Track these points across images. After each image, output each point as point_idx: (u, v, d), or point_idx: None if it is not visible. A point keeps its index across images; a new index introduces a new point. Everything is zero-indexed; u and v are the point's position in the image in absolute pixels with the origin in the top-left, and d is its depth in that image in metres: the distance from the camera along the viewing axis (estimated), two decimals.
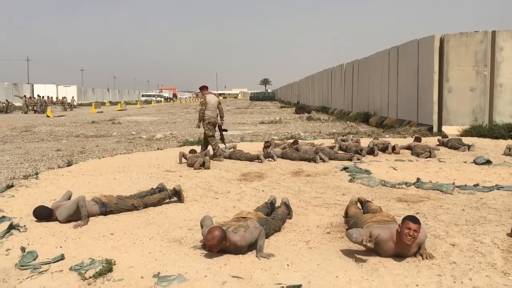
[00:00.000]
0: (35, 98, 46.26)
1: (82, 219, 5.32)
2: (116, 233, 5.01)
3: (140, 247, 4.53)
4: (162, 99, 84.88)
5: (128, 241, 4.73)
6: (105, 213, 5.68)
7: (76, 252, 4.38)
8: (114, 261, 4.05)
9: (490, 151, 11.17)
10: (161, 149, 12.69)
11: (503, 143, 12.16)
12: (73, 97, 54.23)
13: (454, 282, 3.62)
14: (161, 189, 6.41)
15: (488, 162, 9.34)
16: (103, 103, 59.08)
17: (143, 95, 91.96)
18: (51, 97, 48.05)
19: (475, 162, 9.48)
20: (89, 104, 54.08)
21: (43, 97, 45.31)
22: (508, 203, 6.20)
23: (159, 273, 3.81)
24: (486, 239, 4.67)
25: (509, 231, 4.86)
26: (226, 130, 11.55)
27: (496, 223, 5.22)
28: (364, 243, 3.98)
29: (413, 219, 4.11)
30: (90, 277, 3.78)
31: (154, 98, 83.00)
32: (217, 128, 10.91)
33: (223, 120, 11.10)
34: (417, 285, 3.55)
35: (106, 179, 8.17)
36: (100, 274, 3.82)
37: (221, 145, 11.22)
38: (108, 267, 3.90)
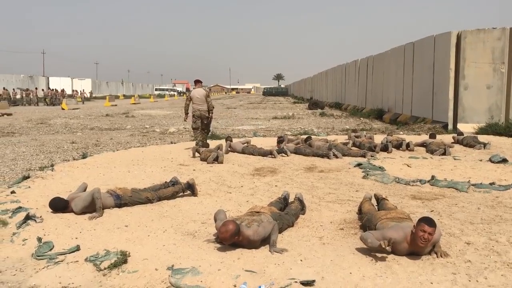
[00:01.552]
0: (50, 90, 46.74)
1: (97, 211, 5.37)
2: (131, 226, 5.05)
3: (154, 240, 4.57)
4: (175, 93, 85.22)
5: (142, 234, 4.77)
6: (119, 205, 5.73)
7: (91, 244, 4.42)
8: (129, 253, 4.09)
9: (506, 150, 11.02)
10: (175, 143, 12.75)
11: None
12: (83, 90, 54.62)
13: (469, 281, 3.59)
14: (174, 182, 6.45)
15: (504, 160, 9.22)
16: (117, 97, 59.55)
17: (156, 89, 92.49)
18: (63, 90, 48.45)
19: (490, 160, 9.36)
20: (103, 97, 54.50)
21: (53, 90, 45.74)
22: None
23: (173, 265, 3.84)
24: (502, 238, 4.61)
25: None
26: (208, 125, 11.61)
27: None
28: (383, 246, 3.93)
29: (429, 221, 4.03)
30: (105, 268, 3.83)
31: (167, 92, 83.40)
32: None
33: (211, 114, 11.29)
34: (431, 283, 3.53)
35: (120, 171, 8.24)
36: (115, 265, 3.86)
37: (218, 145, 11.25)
38: (123, 259, 3.94)
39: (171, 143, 12.84)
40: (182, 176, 7.43)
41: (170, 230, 4.91)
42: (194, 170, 8.45)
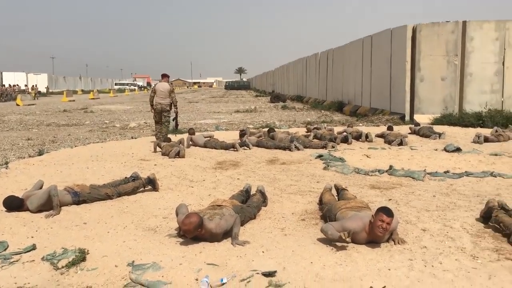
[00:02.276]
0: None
1: (54, 209, 5.22)
2: (89, 223, 4.95)
3: (114, 236, 4.49)
4: (136, 87, 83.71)
5: (101, 230, 4.68)
6: (77, 202, 5.59)
7: (48, 242, 4.30)
8: (88, 251, 4.01)
9: (460, 139, 11.43)
10: (135, 138, 12.55)
11: (472, 131, 12.46)
12: (35, 85, 52.44)
13: (425, 266, 3.71)
14: (135, 177, 6.35)
15: (458, 149, 9.56)
16: (75, 92, 57.98)
17: (116, 84, 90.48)
18: (16, 85, 46.65)
19: (445, 149, 9.69)
20: (61, 93, 52.91)
21: (3, 85, 44.08)
22: (477, 189, 6.37)
23: (133, 261, 3.79)
24: (456, 224, 4.79)
25: (477, 216, 5.00)
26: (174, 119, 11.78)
27: (465, 209, 5.36)
28: (343, 238, 4.00)
29: (386, 211, 4.12)
30: (62, 267, 3.73)
31: (127, 86, 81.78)
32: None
33: (176, 108, 11.46)
34: (389, 269, 3.63)
35: (78, 168, 8.04)
36: (73, 263, 3.77)
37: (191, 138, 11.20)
38: (81, 257, 3.86)
39: (132, 138, 12.63)
40: (143, 171, 7.32)
41: (131, 226, 4.84)
42: (155, 165, 8.35)
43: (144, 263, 3.74)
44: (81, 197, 5.63)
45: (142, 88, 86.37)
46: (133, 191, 6.16)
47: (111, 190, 5.91)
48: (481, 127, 13.71)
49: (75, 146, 11.01)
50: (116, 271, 3.66)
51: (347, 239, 3.99)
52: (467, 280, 3.42)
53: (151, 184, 6.35)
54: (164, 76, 11.50)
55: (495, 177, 7.07)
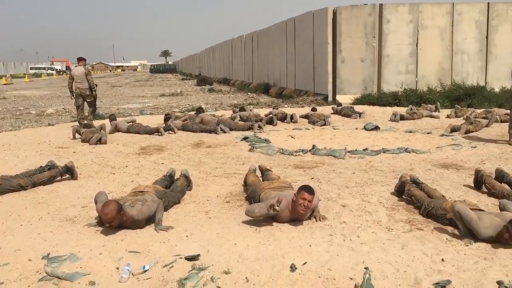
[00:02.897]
0: None
1: None
2: (0, 215, 4.63)
3: (28, 229, 4.24)
4: (54, 72, 79.22)
5: (14, 223, 4.40)
6: None
7: None
8: None
9: (379, 118, 11.97)
10: (53, 125, 11.90)
11: (390, 110, 13.08)
12: None
13: (344, 240, 3.86)
14: (51, 166, 6.02)
15: (376, 128, 10.02)
16: None
17: (31, 68, 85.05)
18: None
19: (365, 128, 10.11)
20: None
21: None
22: (393, 164, 6.72)
23: (48, 254, 3.60)
24: (373, 199, 5.02)
25: (392, 191, 5.27)
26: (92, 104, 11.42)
27: (382, 184, 5.63)
28: (274, 206, 4.05)
29: (308, 189, 4.21)
30: None
31: (44, 71, 77.17)
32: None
33: (94, 92, 11.13)
34: (310, 246, 3.73)
35: None
36: None
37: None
38: None
39: (49, 125, 11.96)
40: (60, 160, 6.98)
41: (47, 217, 4.59)
42: (74, 152, 7.98)
43: (61, 255, 3.57)
44: None
45: (61, 73, 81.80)
46: (49, 181, 5.84)
47: (24, 181, 5.56)
48: (397, 106, 14.45)
49: None
50: (30, 265, 3.46)
51: (277, 207, 4.04)
52: (382, 251, 3.60)
53: (69, 172, 6.06)
54: (80, 60, 11.22)
55: (409, 153, 7.49)
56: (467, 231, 3.81)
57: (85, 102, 11.18)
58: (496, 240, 3.66)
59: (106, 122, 10.80)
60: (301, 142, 8.75)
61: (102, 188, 5.38)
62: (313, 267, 3.31)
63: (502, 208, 4.12)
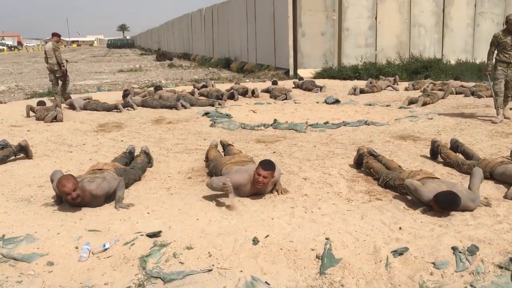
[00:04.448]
0: None
1: None
2: None
3: None
4: (5, 47, 75.63)
5: None
6: None
7: None
8: None
9: (339, 91, 12.09)
10: (5, 103, 11.41)
11: (350, 84, 13.24)
12: None
13: (305, 212, 3.91)
14: (3, 145, 5.78)
15: (337, 101, 10.12)
16: None
17: None
18: None
19: (326, 102, 10.20)
20: None
21: None
22: (353, 137, 6.82)
23: (3, 235, 3.48)
24: (333, 171, 5.09)
25: (352, 163, 5.35)
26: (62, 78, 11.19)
27: (342, 156, 5.71)
28: (226, 184, 4.03)
29: (264, 164, 4.20)
30: None
31: None
32: None
33: (63, 66, 10.90)
34: (272, 218, 3.76)
35: None
36: None
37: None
38: None
39: (1, 103, 11.46)
40: (14, 138, 6.72)
41: (1, 198, 4.43)
42: (28, 130, 7.70)
43: (16, 236, 3.45)
44: None
45: (12, 48, 78.27)
46: (2, 160, 5.61)
47: None
48: (357, 79, 14.62)
49: None
50: None
51: (228, 183, 4.03)
52: (342, 221, 3.67)
53: (23, 151, 5.84)
54: (53, 35, 11.07)
55: (369, 125, 7.62)
56: (417, 201, 3.95)
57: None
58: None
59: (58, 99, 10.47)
60: (263, 117, 8.74)
61: (59, 167, 5.20)
62: (275, 240, 3.34)
63: (470, 175, 4.23)
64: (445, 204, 3.68)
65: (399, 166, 4.81)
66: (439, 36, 17.43)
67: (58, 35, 11.09)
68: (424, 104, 9.57)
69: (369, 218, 3.73)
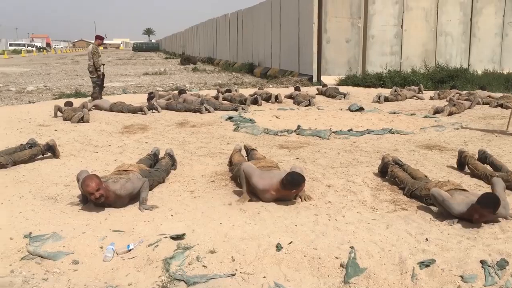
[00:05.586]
0: None
1: None
2: None
3: (9, 207, 4.16)
4: (34, 48, 77.39)
5: None
6: None
7: None
8: None
9: (363, 99, 11.99)
10: (33, 103, 11.66)
11: (374, 91, 13.12)
12: None
13: (329, 220, 3.87)
14: (32, 144, 5.89)
15: (361, 109, 10.04)
16: None
17: (11, 44, 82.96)
18: None
19: (349, 109, 10.12)
20: None
21: None
22: (377, 145, 6.74)
23: (30, 233, 3.54)
24: (357, 179, 5.04)
25: (376, 171, 5.29)
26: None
27: (366, 164, 5.65)
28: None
29: (298, 181, 4.16)
30: None
31: (24, 47, 75.34)
32: None
33: (98, 71, 11.04)
34: (295, 225, 3.73)
35: None
36: None
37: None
38: None
39: (30, 102, 11.72)
40: (42, 138, 6.85)
41: (28, 196, 4.51)
42: (56, 130, 7.83)
43: (43, 234, 3.51)
44: None
45: (41, 49, 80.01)
46: (31, 159, 5.72)
47: (4, 159, 5.43)
48: (382, 87, 14.49)
49: None
50: (11, 244, 3.40)
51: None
52: (367, 230, 3.62)
53: (51, 150, 5.94)
54: (96, 38, 11.24)
55: (393, 134, 7.53)
56: (444, 212, 3.87)
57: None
58: (468, 218, 3.71)
59: (87, 100, 10.66)
60: (286, 122, 8.72)
61: (85, 167, 5.27)
62: (299, 247, 3.31)
63: (492, 185, 4.18)
64: (489, 203, 3.59)
65: (425, 176, 4.73)
66: (466, 45, 17.17)
67: (101, 38, 11.33)
68: (450, 113, 9.41)
69: (395, 228, 3.67)
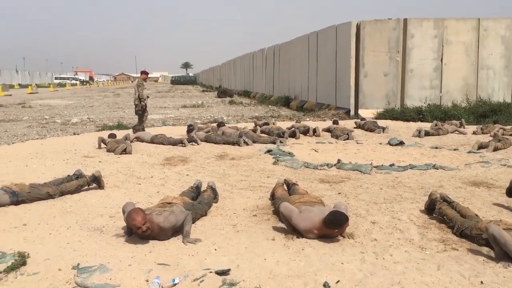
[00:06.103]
0: None
1: None
2: (30, 224, 4.66)
3: (57, 238, 4.25)
4: (78, 82, 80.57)
5: (43, 232, 4.41)
6: (16, 203, 5.25)
7: None
8: (28, 254, 3.76)
9: (402, 133, 11.81)
10: (78, 134, 12.06)
11: (414, 125, 12.92)
12: None
13: (376, 259, 3.76)
14: (78, 175, 6.05)
15: (401, 143, 9.87)
16: (11, 86, 54.89)
17: (56, 78, 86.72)
18: None
19: (389, 143, 9.97)
20: None
21: None
22: (421, 181, 6.58)
23: (78, 264, 3.59)
24: (403, 216, 4.91)
25: (422, 208, 5.14)
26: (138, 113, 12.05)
27: (411, 201, 5.51)
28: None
29: (341, 220, 4.09)
30: (1, 272, 3.47)
31: (68, 81, 78.53)
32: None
33: (140, 103, 11.77)
34: (342, 263, 3.64)
35: (16, 166, 7.59)
36: (12, 268, 3.52)
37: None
38: (21, 261, 3.61)
39: (74, 134, 12.12)
40: (87, 169, 7.02)
41: (75, 226, 4.60)
42: (100, 161, 8.03)
43: (90, 266, 3.55)
44: (20, 197, 5.29)
45: (84, 83, 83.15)
46: (77, 190, 5.87)
47: (52, 189, 5.60)
48: (421, 121, 14.26)
49: (13, 143, 10.41)
50: (60, 275, 3.45)
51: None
52: (417, 271, 3.49)
53: (96, 182, 6.08)
54: (141, 73, 12.10)
55: (437, 169, 7.34)
56: (503, 254, 3.68)
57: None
58: None
59: (130, 132, 10.93)
60: (325, 156, 8.66)
61: (128, 199, 5.37)
62: (346, 286, 3.23)
63: None
64: None
65: (476, 215, 4.55)
66: (508, 79, 16.79)
67: (146, 73, 12.15)
68: (496, 149, 9.13)
69: (446, 269, 3.53)
